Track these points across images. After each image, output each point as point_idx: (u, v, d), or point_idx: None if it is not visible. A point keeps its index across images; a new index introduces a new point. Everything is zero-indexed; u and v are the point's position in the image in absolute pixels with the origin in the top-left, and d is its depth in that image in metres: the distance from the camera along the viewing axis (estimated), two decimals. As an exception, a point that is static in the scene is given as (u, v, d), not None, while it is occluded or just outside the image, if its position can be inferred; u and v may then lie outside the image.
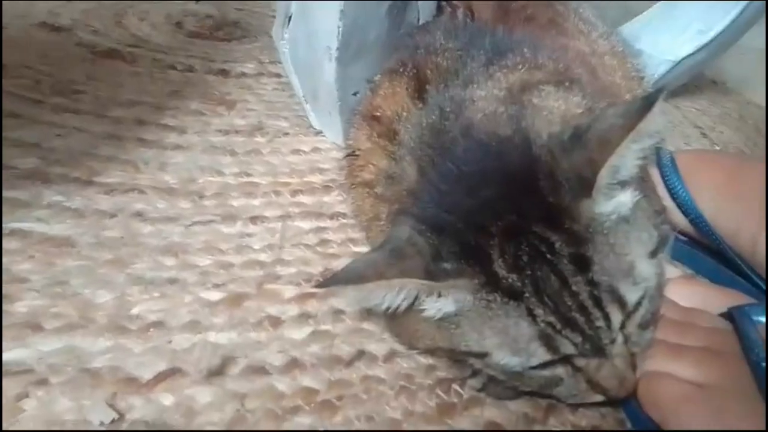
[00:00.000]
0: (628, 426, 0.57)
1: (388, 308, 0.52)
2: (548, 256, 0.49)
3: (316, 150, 0.94)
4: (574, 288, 0.49)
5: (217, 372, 0.54)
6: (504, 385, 0.56)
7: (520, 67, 0.66)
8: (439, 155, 0.58)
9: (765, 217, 0.66)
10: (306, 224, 0.77)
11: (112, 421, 0.48)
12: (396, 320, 0.59)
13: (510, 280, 0.50)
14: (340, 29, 0.76)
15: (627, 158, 0.50)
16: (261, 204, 0.79)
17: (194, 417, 0.50)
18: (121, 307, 0.59)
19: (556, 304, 0.49)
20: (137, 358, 0.54)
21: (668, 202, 0.76)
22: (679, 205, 0.77)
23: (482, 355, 0.52)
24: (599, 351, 0.51)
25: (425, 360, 0.60)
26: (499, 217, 0.51)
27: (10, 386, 0.50)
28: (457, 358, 0.56)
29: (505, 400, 0.57)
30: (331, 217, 0.79)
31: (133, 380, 0.52)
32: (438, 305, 0.52)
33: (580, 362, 0.52)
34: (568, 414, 0.57)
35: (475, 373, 0.58)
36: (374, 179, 0.66)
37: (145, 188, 0.77)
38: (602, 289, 0.49)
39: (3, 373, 0.50)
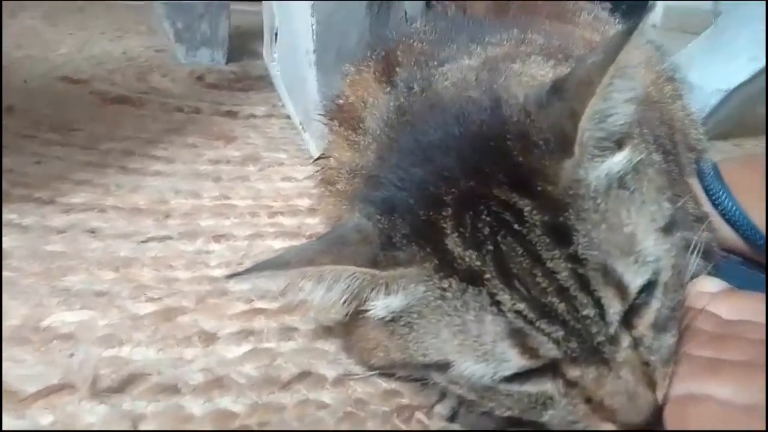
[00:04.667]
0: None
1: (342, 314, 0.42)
2: (515, 226, 0.38)
3: (311, 177, 0.86)
4: (549, 265, 0.37)
5: (115, 389, 0.44)
6: (479, 410, 0.42)
7: (505, 42, 0.57)
8: (398, 132, 0.49)
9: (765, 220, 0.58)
10: (278, 243, 0.68)
11: (-37, 436, 0.38)
12: (348, 332, 0.48)
13: (467, 260, 0.38)
14: (314, 27, 0.69)
15: (614, 101, 0.39)
16: (232, 224, 0.71)
17: (67, 439, 0.40)
18: (29, 318, 0.51)
19: (527, 287, 0.37)
20: (27, 370, 0.45)
21: (713, 214, 0.63)
22: (725, 216, 0.64)
23: (443, 366, 0.40)
24: (593, 353, 0.37)
25: (386, 384, 0.47)
26: (454, 185, 0.40)
27: None
28: (417, 375, 0.44)
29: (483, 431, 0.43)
30: (309, 237, 0.69)
31: (12, 393, 0.43)
32: (386, 302, 0.41)
33: (573, 372, 0.38)
34: (571, 455, 0.41)
35: (443, 397, 0.44)
36: (335, 174, 0.56)
37: (108, 208, 0.71)
38: (590, 267, 0.37)
39: None
